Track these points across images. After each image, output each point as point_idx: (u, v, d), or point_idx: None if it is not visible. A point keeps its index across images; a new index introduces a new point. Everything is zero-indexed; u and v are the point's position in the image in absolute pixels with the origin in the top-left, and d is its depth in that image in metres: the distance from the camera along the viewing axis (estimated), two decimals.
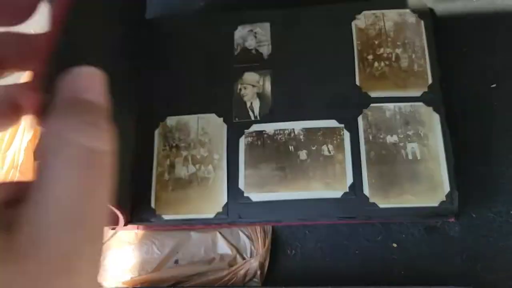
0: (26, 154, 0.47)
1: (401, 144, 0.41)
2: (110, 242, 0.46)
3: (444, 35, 0.47)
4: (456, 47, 0.47)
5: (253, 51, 0.47)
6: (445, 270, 0.42)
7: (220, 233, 0.46)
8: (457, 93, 0.45)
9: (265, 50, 0.47)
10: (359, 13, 0.47)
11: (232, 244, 0.46)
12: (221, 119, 0.45)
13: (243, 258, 0.45)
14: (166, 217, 0.42)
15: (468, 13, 0.48)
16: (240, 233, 0.46)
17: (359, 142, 0.42)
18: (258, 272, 0.44)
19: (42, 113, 0.16)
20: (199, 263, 0.45)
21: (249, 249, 0.45)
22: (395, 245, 0.44)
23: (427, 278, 0.42)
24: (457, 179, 0.40)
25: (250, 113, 0.45)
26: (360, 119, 0.43)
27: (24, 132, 0.49)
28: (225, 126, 0.45)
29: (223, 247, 0.45)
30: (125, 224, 0.42)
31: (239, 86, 0.46)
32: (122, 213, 0.41)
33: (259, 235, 0.45)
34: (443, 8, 0.48)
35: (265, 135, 0.44)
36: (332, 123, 0.43)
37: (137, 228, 0.45)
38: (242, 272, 0.44)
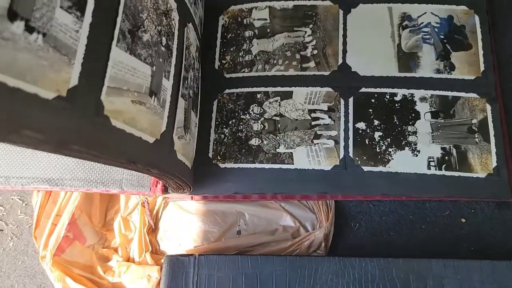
0: None
1: None
2: (171, 211, 0.47)
3: None
4: None
5: None
6: None
7: (282, 205, 0.46)
8: None
9: None
10: None
11: (295, 217, 0.46)
12: None
13: (307, 230, 0.45)
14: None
15: None
16: (303, 206, 0.46)
17: None
18: (323, 244, 0.44)
19: None
20: (262, 233, 0.46)
21: (312, 222, 0.45)
22: (463, 220, 0.43)
23: (496, 254, 0.42)
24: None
25: None
26: None
27: None
28: None
29: (286, 219, 0.45)
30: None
31: None
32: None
33: (321, 208, 0.45)
34: None
35: None
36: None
37: (191, 199, 0.45)
38: (306, 243, 0.44)
